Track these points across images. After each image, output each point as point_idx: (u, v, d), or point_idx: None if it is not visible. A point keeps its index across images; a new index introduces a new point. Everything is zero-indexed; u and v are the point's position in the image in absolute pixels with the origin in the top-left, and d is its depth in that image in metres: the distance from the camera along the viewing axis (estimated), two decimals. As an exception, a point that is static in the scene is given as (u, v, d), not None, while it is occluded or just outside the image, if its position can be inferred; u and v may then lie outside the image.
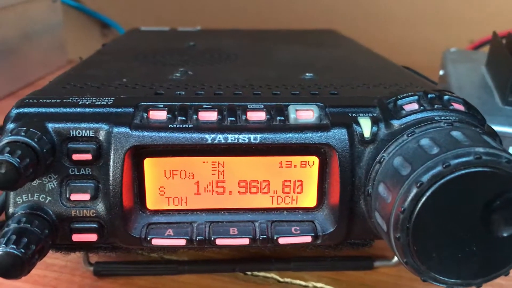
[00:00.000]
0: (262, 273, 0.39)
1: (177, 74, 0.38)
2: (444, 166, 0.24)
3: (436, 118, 0.29)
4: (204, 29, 0.65)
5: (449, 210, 0.25)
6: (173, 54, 0.47)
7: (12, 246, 0.26)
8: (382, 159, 0.29)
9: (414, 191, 0.24)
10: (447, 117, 0.29)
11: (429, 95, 0.31)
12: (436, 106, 0.30)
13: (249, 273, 0.39)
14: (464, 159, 0.24)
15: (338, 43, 0.58)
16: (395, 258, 0.39)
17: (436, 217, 0.25)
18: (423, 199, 0.24)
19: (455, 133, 0.26)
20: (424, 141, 0.26)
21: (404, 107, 0.30)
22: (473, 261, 0.26)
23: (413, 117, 0.29)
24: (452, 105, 0.30)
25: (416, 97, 0.30)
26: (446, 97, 0.31)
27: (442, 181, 0.24)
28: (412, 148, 0.27)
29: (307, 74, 0.39)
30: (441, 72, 0.57)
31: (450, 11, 0.82)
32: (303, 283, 0.38)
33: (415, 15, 0.84)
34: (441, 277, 0.26)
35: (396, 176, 0.26)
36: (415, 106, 0.30)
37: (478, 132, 0.27)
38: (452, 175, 0.24)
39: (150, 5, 0.93)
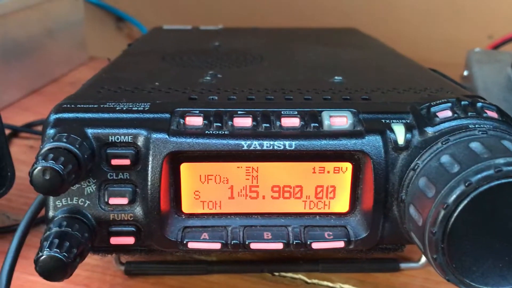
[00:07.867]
0: (290, 274, 0.39)
1: (207, 78, 0.39)
2: (496, 171, 0.24)
3: (470, 126, 0.29)
4: (226, 28, 0.65)
5: (492, 215, 0.25)
6: (199, 55, 0.48)
7: (56, 250, 0.27)
8: (416, 167, 0.29)
9: (462, 188, 0.25)
10: (481, 125, 0.29)
11: (462, 102, 0.31)
12: (469, 113, 0.30)
13: (277, 273, 0.39)
14: None
15: (361, 43, 0.58)
16: (422, 260, 0.39)
17: (477, 218, 0.25)
18: (469, 197, 0.25)
19: (506, 142, 0.27)
20: (475, 144, 0.27)
21: (437, 114, 0.30)
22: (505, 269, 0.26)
23: (446, 124, 0.30)
24: (485, 112, 0.30)
25: (449, 104, 0.31)
26: (479, 104, 0.31)
27: (491, 184, 0.24)
28: (463, 149, 0.27)
29: (336, 77, 0.39)
30: (465, 73, 0.56)
31: (467, 7, 0.82)
32: (330, 284, 0.38)
33: (432, 11, 0.84)
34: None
35: (442, 171, 0.26)
36: (448, 113, 0.30)
37: None
38: (503, 181, 0.24)
39: None
